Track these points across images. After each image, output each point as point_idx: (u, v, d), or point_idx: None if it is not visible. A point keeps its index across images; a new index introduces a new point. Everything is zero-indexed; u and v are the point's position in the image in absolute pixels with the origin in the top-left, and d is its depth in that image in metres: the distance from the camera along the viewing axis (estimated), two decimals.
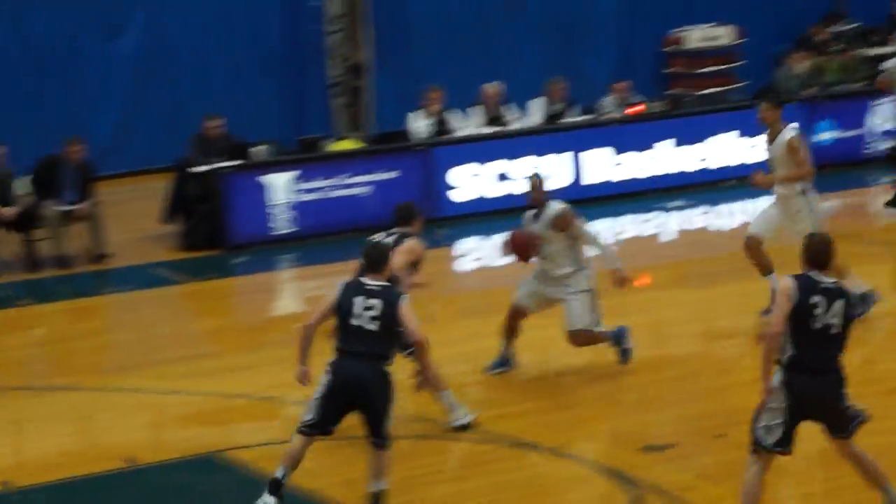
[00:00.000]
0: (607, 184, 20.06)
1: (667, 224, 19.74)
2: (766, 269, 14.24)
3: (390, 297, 9.29)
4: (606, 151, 19.97)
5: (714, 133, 20.92)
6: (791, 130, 14.49)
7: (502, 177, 19.82)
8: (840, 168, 21.58)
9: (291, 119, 24.25)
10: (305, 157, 20.56)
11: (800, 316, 8.14)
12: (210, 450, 11.18)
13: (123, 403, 12.69)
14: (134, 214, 20.40)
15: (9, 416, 13.06)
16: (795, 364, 8.27)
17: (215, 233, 18.24)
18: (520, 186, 17.66)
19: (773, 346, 8.36)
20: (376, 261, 9.53)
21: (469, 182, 19.92)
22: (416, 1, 25.42)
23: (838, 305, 8.13)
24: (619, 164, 20.16)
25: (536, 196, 12.85)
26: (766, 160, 14.22)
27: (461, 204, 19.95)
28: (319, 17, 24.18)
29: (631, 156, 20.00)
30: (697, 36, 24.74)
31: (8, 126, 20.99)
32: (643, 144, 19.91)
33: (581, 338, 12.85)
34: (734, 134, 21.26)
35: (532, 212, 12.73)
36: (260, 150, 19.76)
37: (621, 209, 19.75)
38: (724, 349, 15.15)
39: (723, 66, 24.65)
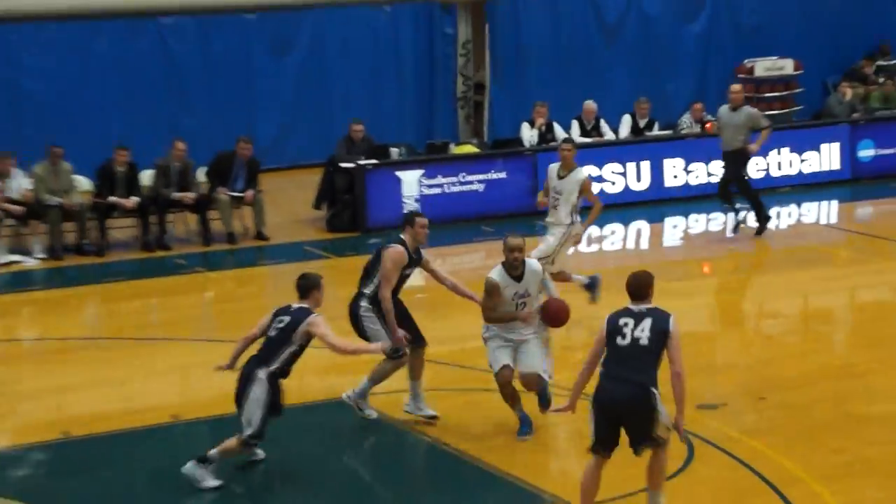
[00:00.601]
0: (681, 187, 20.31)
1: (730, 222, 19.19)
2: (565, 278, 14.19)
3: (299, 315, 9.37)
4: (681, 161, 20.21)
5: (774, 148, 20.79)
6: (585, 171, 14.72)
7: (596, 179, 18.96)
8: (878, 181, 21.53)
9: (424, 126, 24.49)
10: (431, 157, 20.55)
11: (610, 336, 8.36)
12: (343, 396, 11.37)
13: None
14: (290, 201, 20.96)
15: (180, 362, 13.68)
16: (603, 375, 8.42)
17: (356, 218, 18.62)
18: (610, 187, 19.47)
19: (585, 379, 8.54)
20: (301, 289, 9.59)
21: None
22: (529, 31, 25.20)
23: (646, 323, 8.34)
24: (691, 171, 20.34)
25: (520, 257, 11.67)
26: (551, 188, 14.12)
27: None
28: (451, 43, 24.04)
29: (701, 165, 20.19)
30: (764, 66, 24.91)
31: (190, 125, 21.57)
32: (712, 156, 19.80)
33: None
34: (787, 149, 21.27)
35: (509, 270, 11.20)
36: (394, 151, 19.98)
37: (693, 209, 19.91)
38: (771, 326, 15.25)
39: (784, 93, 24.85)
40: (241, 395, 9.36)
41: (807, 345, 14.97)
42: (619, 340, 8.37)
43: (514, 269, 10.86)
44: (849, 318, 16.61)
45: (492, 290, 10.80)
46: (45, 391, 12.82)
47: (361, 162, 19.13)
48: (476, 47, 24.10)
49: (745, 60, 25.85)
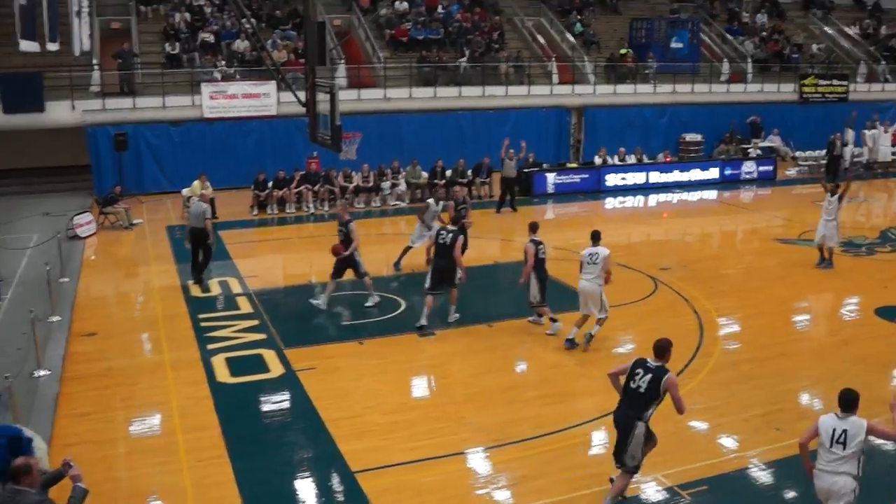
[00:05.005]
0: None
1: None
2: None
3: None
4: None
5: None
6: None
7: None
8: None
9: (558, 156, 35.80)
10: (560, 167, 31.11)
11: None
12: None
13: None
14: None
15: None
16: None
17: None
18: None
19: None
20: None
21: None
22: (595, 119, 36.93)
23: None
24: None
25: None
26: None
27: None
28: (569, 124, 36.89)
29: None
30: None
31: None
32: None
33: None
34: None
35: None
36: (545, 166, 30.16)
37: None
38: None
39: None
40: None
41: None
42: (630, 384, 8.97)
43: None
44: None
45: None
46: None
47: (529, 170, 29.85)
48: (577, 126, 37.12)
49: None
